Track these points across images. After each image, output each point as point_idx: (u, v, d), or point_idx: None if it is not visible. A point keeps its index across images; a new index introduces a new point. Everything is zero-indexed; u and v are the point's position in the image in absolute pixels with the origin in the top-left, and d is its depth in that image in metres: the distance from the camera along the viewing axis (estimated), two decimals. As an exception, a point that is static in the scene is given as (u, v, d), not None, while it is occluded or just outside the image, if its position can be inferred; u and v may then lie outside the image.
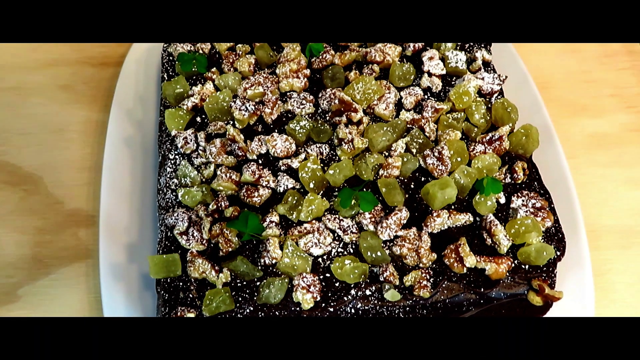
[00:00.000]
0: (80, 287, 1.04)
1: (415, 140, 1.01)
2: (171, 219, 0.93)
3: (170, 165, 1.01)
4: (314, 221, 0.92)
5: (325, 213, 0.94)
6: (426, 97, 1.08)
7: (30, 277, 1.05)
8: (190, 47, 1.15)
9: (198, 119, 1.06)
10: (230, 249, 0.90)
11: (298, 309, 0.86)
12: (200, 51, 1.15)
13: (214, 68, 1.12)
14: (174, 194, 0.98)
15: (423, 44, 1.13)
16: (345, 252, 0.91)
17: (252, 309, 0.86)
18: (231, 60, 1.12)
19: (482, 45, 1.16)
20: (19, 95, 1.29)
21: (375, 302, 0.88)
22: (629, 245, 1.10)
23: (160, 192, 1.00)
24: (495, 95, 1.08)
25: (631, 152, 1.22)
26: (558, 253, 0.92)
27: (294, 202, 0.93)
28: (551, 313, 0.94)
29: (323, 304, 0.86)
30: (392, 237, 0.90)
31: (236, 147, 0.99)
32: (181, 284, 0.89)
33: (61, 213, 1.12)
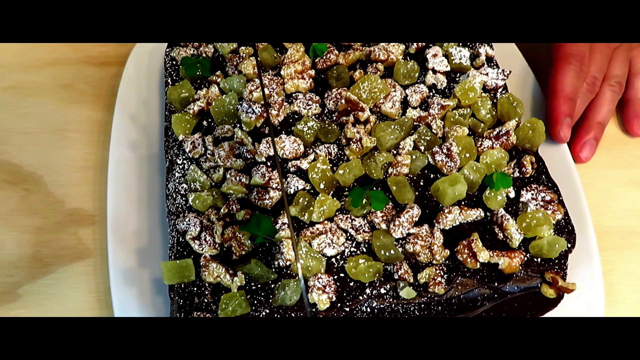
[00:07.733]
0: (80, 286, 1.03)
1: (422, 137, 1.01)
2: (182, 224, 0.92)
3: (179, 170, 1.00)
4: (326, 222, 0.92)
5: (337, 213, 0.94)
6: (431, 94, 1.08)
7: (30, 276, 1.04)
8: (193, 51, 1.15)
9: (204, 122, 1.05)
10: (243, 252, 0.90)
11: (314, 309, 0.86)
12: (204, 55, 1.14)
13: (218, 71, 1.11)
14: (183, 199, 0.97)
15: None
16: (359, 252, 0.91)
17: (267, 311, 0.86)
18: (235, 63, 1.11)
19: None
20: (20, 94, 1.28)
21: (391, 300, 0.88)
22: (630, 246, 1.09)
23: (170, 197, 0.99)
24: (500, 90, 1.08)
25: (632, 153, 1.20)
26: (569, 245, 0.93)
27: (305, 203, 0.93)
28: (562, 306, 0.94)
29: (339, 304, 0.86)
30: (404, 235, 0.91)
31: (244, 150, 0.99)
32: (195, 289, 0.88)
33: (61, 212, 1.11)
